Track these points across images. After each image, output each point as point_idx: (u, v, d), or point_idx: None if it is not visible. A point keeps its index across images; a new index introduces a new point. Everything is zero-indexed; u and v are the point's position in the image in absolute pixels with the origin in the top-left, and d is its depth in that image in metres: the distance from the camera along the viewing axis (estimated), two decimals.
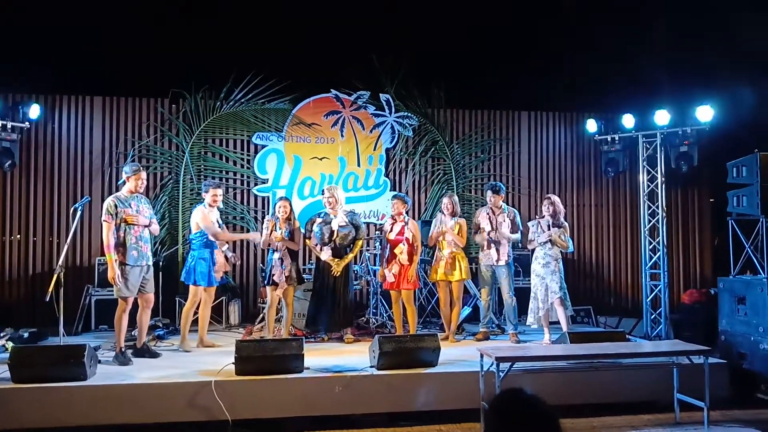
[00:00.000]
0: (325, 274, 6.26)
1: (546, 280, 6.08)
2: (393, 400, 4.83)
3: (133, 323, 5.66)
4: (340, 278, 6.23)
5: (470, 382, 4.68)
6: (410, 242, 6.24)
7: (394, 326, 6.86)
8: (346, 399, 4.73)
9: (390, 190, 8.44)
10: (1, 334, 6.06)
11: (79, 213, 5.40)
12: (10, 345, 5.49)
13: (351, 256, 6.28)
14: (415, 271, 6.31)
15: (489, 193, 6.51)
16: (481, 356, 4.56)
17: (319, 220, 6.31)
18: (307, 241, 6.41)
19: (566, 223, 6.28)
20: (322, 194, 6.53)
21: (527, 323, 6.28)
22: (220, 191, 6.07)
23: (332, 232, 6.20)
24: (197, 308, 6.07)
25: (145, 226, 5.42)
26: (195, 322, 6.19)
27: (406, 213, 6.41)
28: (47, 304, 5.09)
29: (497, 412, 1.64)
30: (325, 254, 6.23)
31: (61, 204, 7.75)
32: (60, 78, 7.52)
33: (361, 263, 7.44)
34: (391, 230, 6.33)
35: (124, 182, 5.48)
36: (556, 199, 6.28)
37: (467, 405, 4.69)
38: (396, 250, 6.23)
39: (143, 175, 5.50)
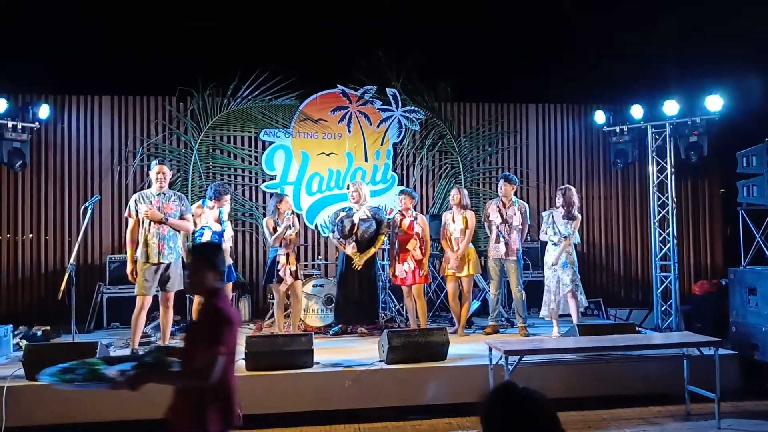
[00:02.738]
0: (348, 268, 6.30)
1: (558, 272, 6.07)
2: (402, 395, 4.85)
3: (147, 321, 5.68)
4: (363, 273, 6.26)
5: (479, 375, 4.68)
6: (420, 237, 6.25)
7: (404, 320, 6.89)
8: (356, 393, 4.76)
9: (398, 185, 8.44)
10: (15, 333, 6.13)
11: (89, 212, 5.45)
12: (23, 343, 5.56)
13: (373, 250, 6.30)
14: (427, 265, 6.32)
15: (501, 181, 6.50)
16: (490, 350, 4.57)
17: (342, 214, 6.37)
18: (330, 235, 6.47)
19: (579, 216, 6.25)
20: (347, 188, 6.58)
21: (541, 316, 6.29)
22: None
23: (353, 225, 6.25)
24: None
25: (161, 223, 5.26)
26: None
27: (414, 208, 6.42)
28: (59, 303, 5.15)
29: (491, 409, 1.64)
30: (349, 248, 6.28)
31: (71, 203, 7.82)
32: (68, 78, 7.57)
33: None
34: (399, 226, 6.35)
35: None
36: (572, 189, 6.24)
37: (477, 399, 4.69)
38: (408, 246, 6.25)
39: (164, 168, 5.39)
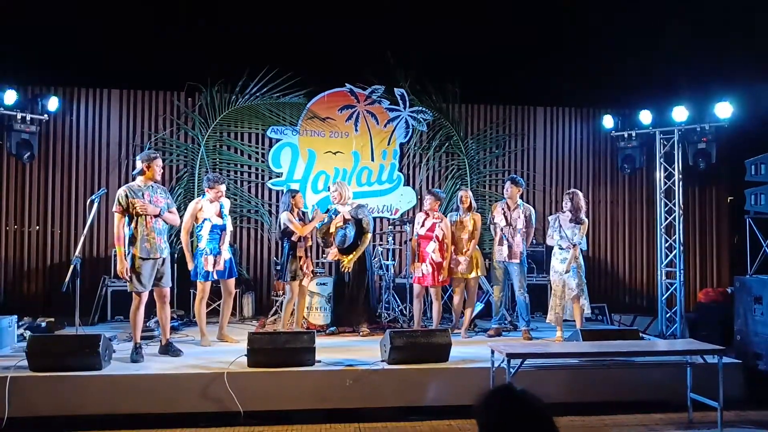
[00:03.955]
0: (340, 269, 6.35)
1: (564, 276, 6.05)
2: (403, 395, 4.84)
3: (147, 315, 5.67)
4: (355, 274, 6.27)
5: (481, 377, 4.67)
6: (440, 240, 6.22)
7: (406, 321, 6.88)
8: (357, 393, 4.75)
9: (403, 185, 8.44)
10: (20, 323, 6.16)
11: (95, 205, 5.45)
12: (27, 334, 5.58)
13: (357, 252, 6.26)
14: (447, 267, 6.29)
15: (508, 183, 6.46)
16: (492, 352, 4.55)
17: (326, 219, 6.39)
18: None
19: (586, 220, 6.22)
20: (329, 190, 6.60)
21: (547, 320, 6.27)
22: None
23: (328, 231, 6.32)
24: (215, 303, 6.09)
25: (156, 216, 5.12)
26: (216, 313, 6.28)
27: (440, 209, 6.41)
28: (64, 295, 5.15)
29: (489, 409, 1.64)
30: (330, 253, 6.38)
31: (78, 195, 7.86)
32: (78, 71, 7.61)
33: (373, 257, 7.44)
34: (422, 225, 6.32)
35: (142, 171, 5.15)
36: (579, 194, 6.21)
37: (474, 399, 4.68)
38: (427, 248, 6.23)
39: (160, 162, 5.26)
